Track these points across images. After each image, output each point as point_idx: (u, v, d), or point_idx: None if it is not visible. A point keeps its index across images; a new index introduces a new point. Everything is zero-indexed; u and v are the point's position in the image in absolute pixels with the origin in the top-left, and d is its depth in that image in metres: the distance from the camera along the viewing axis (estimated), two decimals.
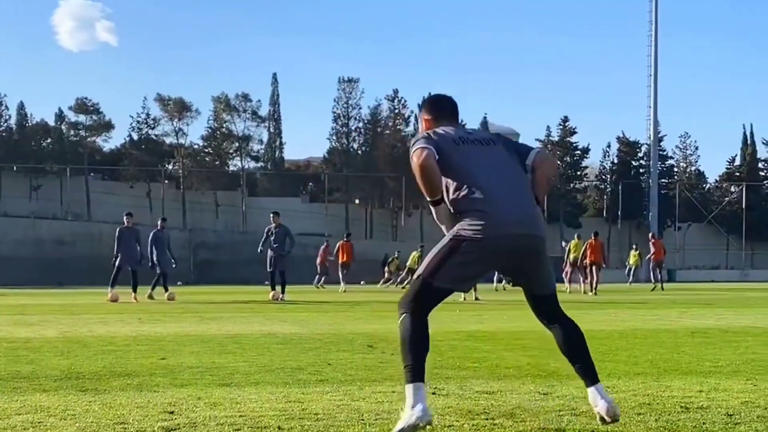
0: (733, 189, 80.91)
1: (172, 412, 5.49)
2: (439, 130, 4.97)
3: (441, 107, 5.30)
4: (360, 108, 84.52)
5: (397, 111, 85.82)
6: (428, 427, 4.65)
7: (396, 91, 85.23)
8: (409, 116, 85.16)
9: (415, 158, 4.66)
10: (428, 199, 4.83)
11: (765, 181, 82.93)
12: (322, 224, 70.22)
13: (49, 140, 79.96)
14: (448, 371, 7.74)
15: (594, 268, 31.83)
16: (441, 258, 4.70)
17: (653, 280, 38.29)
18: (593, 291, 30.88)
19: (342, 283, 36.80)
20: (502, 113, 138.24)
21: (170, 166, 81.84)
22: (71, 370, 7.84)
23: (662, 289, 36.79)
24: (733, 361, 8.84)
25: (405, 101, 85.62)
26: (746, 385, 6.90)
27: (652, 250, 38.73)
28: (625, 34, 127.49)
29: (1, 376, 7.43)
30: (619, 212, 73.95)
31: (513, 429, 4.95)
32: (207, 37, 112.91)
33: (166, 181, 78.22)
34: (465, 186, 4.69)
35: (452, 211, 4.79)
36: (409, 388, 4.58)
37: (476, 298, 24.68)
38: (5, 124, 79.16)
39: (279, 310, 20.60)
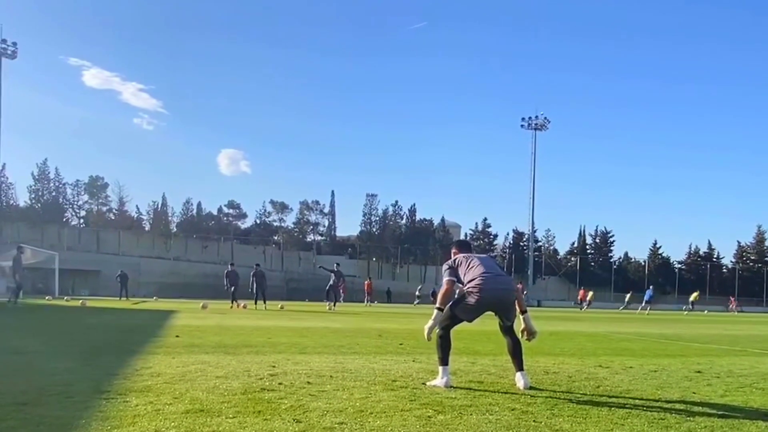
0: (573, 259, 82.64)
1: (274, 366, 5.92)
2: (459, 256, 5.31)
3: (462, 245, 5.62)
4: (377, 209, 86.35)
5: (396, 212, 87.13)
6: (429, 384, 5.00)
7: (396, 202, 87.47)
8: (403, 215, 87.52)
9: (444, 284, 5.13)
10: (439, 301, 5.16)
11: (590, 256, 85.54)
12: (356, 270, 71.55)
13: (212, 222, 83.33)
14: (421, 349, 8.07)
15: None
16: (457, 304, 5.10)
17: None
18: None
19: (367, 303, 37.45)
20: (452, 212, 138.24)
21: (276, 237, 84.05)
22: (221, 343, 8.28)
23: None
24: (571, 348, 9.23)
25: (401, 207, 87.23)
26: (579, 361, 7.26)
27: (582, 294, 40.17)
28: (516, 165, 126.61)
29: (184, 345, 7.87)
30: (513, 269, 75.75)
31: (455, 380, 5.25)
32: (295, 170, 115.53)
33: (274, 245, 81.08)
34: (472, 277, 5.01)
35: (464, 286, 5.04)
36: (441, 368, 4.97)
37: None
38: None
39: (331, 315, 21.02)
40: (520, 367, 5.03)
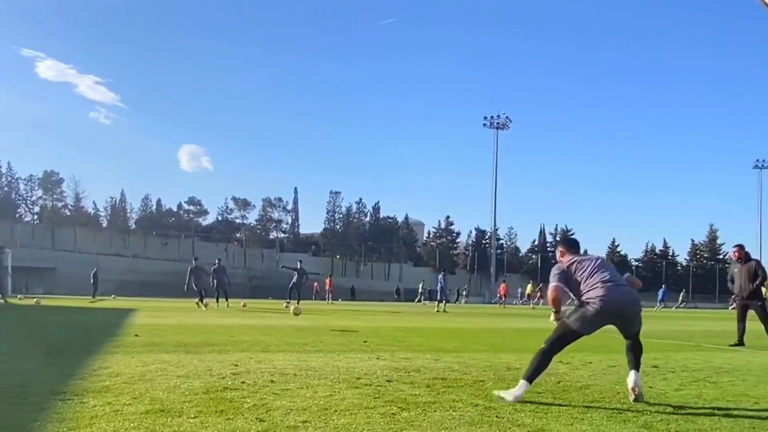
0: (534, 257, 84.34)
1: (236, 365, 5.84)
2: (573, 260, 4.58)
3: (571, 245, 4.84)
4: (341, 207, 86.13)
5: (360, 210, 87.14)
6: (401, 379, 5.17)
7: (360, 199, 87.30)
8: (367, 212, 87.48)
9: (550, 290, 4.49)
10: (552, 306, 4.55)
11: (551, 253, 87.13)
12: (319, 268, 71.32)
13: (172, 219, 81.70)
14: (386, 346, 8.18)
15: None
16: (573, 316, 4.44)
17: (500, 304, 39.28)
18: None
19: (328, 301, 37.35)
20: (416, 210, 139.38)
21: (239, 234, 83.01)
22: (182, 342, 8.14)
23: (503, 306, 37.27)
24: (532, 344, 9.45)
25: (365, 204, 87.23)
26: (492, 356, 7.45)
27: (502, 288, 40.15)
28: (479, 164, 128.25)
29: (144, 344, 7.72)
30: (476, 266, 76.72)
31: (419, 377, 5.34)
32: (258, 166, 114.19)
33: (236, 243, 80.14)
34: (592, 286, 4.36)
35: (581, 296, 4.42)
36: (523, 381, 4.33)
37: (444, 310, 24.50)
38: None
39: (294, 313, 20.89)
40: (635, 366, 4.51)
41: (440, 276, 26.88)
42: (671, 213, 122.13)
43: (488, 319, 18.63)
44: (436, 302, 26.26)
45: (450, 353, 7.55)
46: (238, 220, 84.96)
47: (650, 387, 5.18)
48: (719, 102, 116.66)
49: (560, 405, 4.23)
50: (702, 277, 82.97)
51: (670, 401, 4.51)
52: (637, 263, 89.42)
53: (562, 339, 4.44)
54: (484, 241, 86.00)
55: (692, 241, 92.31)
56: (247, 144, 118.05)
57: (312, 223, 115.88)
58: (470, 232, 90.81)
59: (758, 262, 10.38)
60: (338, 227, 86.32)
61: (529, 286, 44.91)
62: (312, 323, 13.77)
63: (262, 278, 62.68)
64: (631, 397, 4.40)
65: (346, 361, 6.48)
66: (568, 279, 4.50)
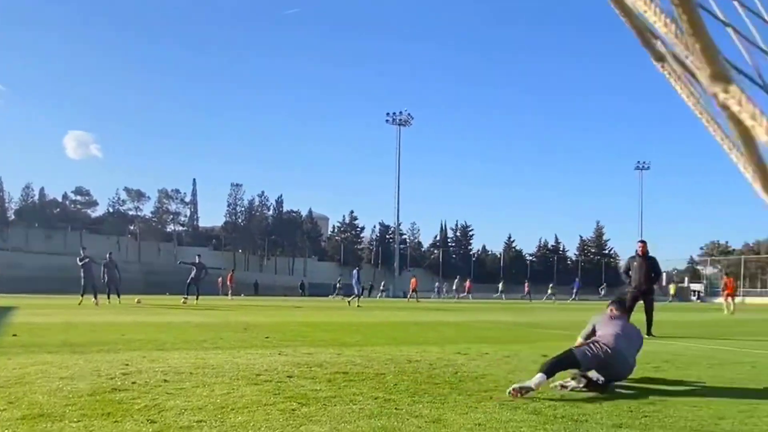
0: (436, 251, 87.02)
1: (127, 365, 5.54)
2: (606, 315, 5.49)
3: (620, 305, 5.82)
4: (243, 199, 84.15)
5: (263, 203, 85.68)
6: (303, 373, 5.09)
7: (263, 192, 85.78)
8: (270, 206, 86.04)
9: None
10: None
11: (452, 248, 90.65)
12: (221, 262, 69.38)
13: (57, 210, 76.11)
14: (288, 342, 8.09)
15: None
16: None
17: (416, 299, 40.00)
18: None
19: (230, 296, 36.31)
20: (320, 204, 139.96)
21: (132, 227, 78.78)
22: (66, 341, 7.65)
23: (417, 301, 38.16)
24: (434, 337, 9.70)
25: (267, 198, 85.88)
26: (440, 349, 7.56)
27: (413, 283, 40.92)
28: (383, 160, 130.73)
29: (22, 345, 7.19)
30: (380, 261, 78.04)
31: (321, 372, 5.32)
32: (153, 156, 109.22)
33: (129, 236, 76.12)
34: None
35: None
36: (539, 374, 4.39)
37: (358, 305, 24.27)
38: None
39: (195, 309, 20.23)
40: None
41: (355, 271, 26.98)
42: (562, 210, 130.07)
43: (395, 313, 18.92)
44: (353, 297, 26.28)
45: (352, 347, 7.59)
46: (131, 212, 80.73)
47: None
48: (605, 107, 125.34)
49: (457, 395, 4.36)
50: (589, 270, 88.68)
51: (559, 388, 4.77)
52: (531, 258, 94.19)
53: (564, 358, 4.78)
54: (387, 236, 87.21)
55: (581, 237, 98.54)
56: (140, 132, 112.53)
57: (212, 216, 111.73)
58: (374, 226, 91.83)
59: (655, 259, 11.08)
60: (240, 220, 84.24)
61: (456, 280, 46.87)
62: (212, 319, 13.36)
63: (158, 273, 59.81)
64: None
65: (246, 357, 6.34)
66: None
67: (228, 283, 38.31)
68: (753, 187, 0.59)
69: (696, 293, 75.58)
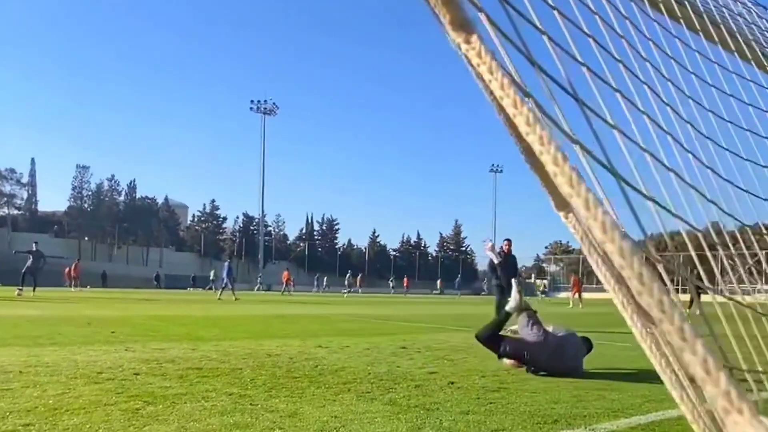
0: (302, 244, 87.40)
1: None
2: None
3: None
4: (90, 183, 78.22)
5: (113, 188, 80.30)
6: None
7: (113, 176, 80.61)
8: (122, 191, 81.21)
9: None
10: None
11: (318, 242, 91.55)
12: (64, 251, 63.75)
13: None
14: (137, 337, 7.63)
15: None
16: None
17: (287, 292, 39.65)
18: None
19: (73, 288, 33.45)
20: (178, 191, 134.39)
21: None
22: None
23: (290, 294, 37.89)
24: (295, 331, 9.66)
25: (118, 182, 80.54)
26: (301, 342, 7.48)
27: (285, 275, 40.51)
28: (246, 149, 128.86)
29: None
30: (243, 253, 76.82)
31: (172, 368, 5.06)
32: None
33: None
34: None
35: None
36: None
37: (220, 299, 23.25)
38: None
39: (31, 301, 18.42)
40: None
41: (226, 263, 26.07)
42: (424, 208, 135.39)
43: (258, 306, 18.50)
44: (222, 290, 25.28)
45: (209, 342, 7.31)
46: None
47: (398, 366, 5.62)
48: (464, 111, 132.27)
49: (315, 388, 4.35)
50: (448, 266, 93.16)
51: (414, 378, 4.95)
52: (394, 253, 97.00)
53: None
54: (251, 228, 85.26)
55: (441, 234, 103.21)
56: None
57: (54, 200, 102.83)
58: (237, 217, 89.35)
59: (516, 258, 11.77)
60: (87, 206, 77.90)
61: (348, 275, 47.44)
62: (50, 313, 12.24)
63: None
64: None
65: (87, 354, 5.87)
66: None
67: (72, 273, 35.04)
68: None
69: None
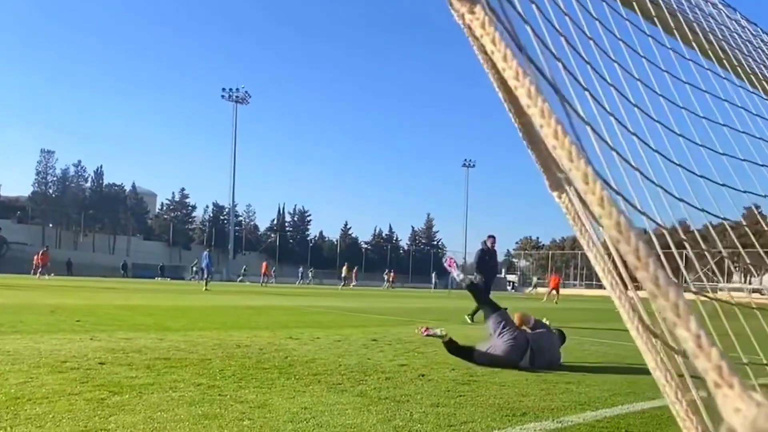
0: (273, 235, 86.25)
1: None
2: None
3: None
4: (55, 168, 76.33)
5: (79, 174, 78.59)
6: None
7: (80, 162, 78.66)
8: (88, 177, 78.91)
9: None
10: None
11: (289, 233, 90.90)
12: (27, 237, 62.26)
13: None
14: (103, 326, 7.50)
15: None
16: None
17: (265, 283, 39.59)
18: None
19: (39, 276, 32.50)
20: (146, 178, 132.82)
21: None
22: None
23: (264, 285, 37.63)
24: (266, 322, 9.64)
25: (85, 168, 78.78)
26: (271, 334, 7.45)
27: (264, 267, 40.47)
28: (217, 137, 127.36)
29: None
30: (213, 242, 75.92)
31: (139, 358, 5.01)
32: None
33: None
34: None
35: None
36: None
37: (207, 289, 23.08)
38: None
39: None
40: None
41: (205, 252, 25.73)
42: (396, 201, 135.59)
43: (227, 297, 18.33)
44: (207, 280, 24.91)
45: (177, 332, 7.22)
46: None
47: (369, 359, 5.64)
48: (438, 105, 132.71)
49: (285, 379, 4.34)
50: (420, 260, 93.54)
51: (385, 370, 4.96)
52: (366, 246, 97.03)
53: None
54: (222, 217, 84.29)
55: (413, 227, 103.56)
56: None
57: (17, 185, 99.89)
58: (207, 206, 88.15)
59: (496, 254, 12.10)
60: (51, 191, 76.03)
61: (345, 268, 46.51)
62: (12, 300, 11.95)
63: None
64: None
65: (51, 343, 5.76)
66: None
67: (39, 261, 33.84)
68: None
69: (511, 283, 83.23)
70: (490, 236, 11.76)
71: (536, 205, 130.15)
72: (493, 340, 5.55)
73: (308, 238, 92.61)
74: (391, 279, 50.00)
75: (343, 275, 44.98)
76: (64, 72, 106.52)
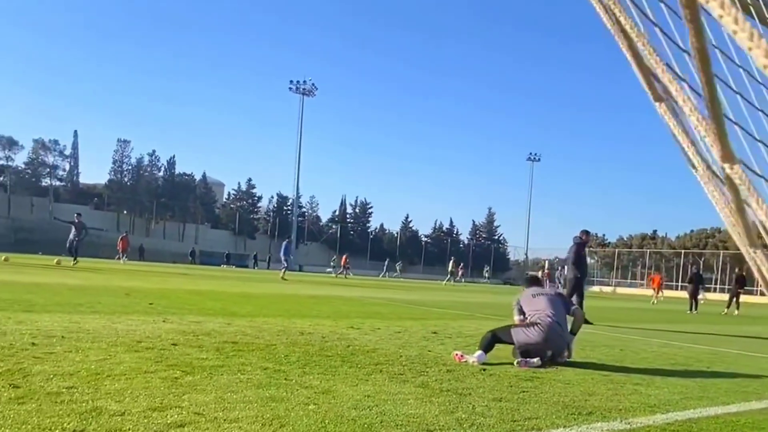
0: (334, 226, 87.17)
1: None
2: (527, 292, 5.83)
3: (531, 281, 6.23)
4: (130, 157, 79.72)
5: (153, 163, 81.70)
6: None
7: (154, 151, 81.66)
8: (161, 166, 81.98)
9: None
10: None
11: (350, 225, 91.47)
12: (103, 223, 65.58)
13: None
14: (174, 309, 7.81)
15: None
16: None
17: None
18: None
19: (122, 260, 34.14)
20: (215, 169, 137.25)
21: (2, 178, 71.93)
22: None
23: (345, 277, 38.26)
24: (327, 311, 9.78)
25: (158, 157, 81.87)
26: (333, 323, 7.60)
27: (344, 260, 40.96)
28: (284, 129, 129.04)
29: None
30: (276, 232, 77.32)
31: (208, 340, 5.18)
32: (29, 102, 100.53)
33: None
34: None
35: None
36: (479, 352, 5.16)
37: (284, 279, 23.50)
38: None
39: (72, 270, 19.01)
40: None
41: (285, 242, 26.22)
42: (458, 195, 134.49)
43: (290, 286, 18.75)
44: (285, 269, 25.36)
45: (243, 318, 7.45)
46: (1, 162, 73.78)
47: (429, 351, 5.64)
48: (506, 97, 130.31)
49: (348, 367, 4.40)
50: (480, 254, 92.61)
51: (446, 363, 4.95)
52: (426, 239, 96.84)
53: (503, 333, 5.42)
54: (285, 208, 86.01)
55: (473, 221, 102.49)
56: (13, 71, 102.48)
57: (95, 173, 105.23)
58: (272, 197, 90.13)
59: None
60: (126, 180, 79.64)
61: (451, 264, 46.56)
62: (90, 282, 12.61)
63: (31, 230, 55.44)
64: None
65: (126, 323, 6.04)
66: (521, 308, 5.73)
67: (121, 246, 35.28)
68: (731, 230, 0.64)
69: None
70: (584, 231, 11.79)
71: (603, 201, 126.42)
72: (529, 306, 5.63)
73: (369, 230, 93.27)
74: (459, 272, 47.57)
75: (449, 269, 44.24)
76: (141, 65, 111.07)
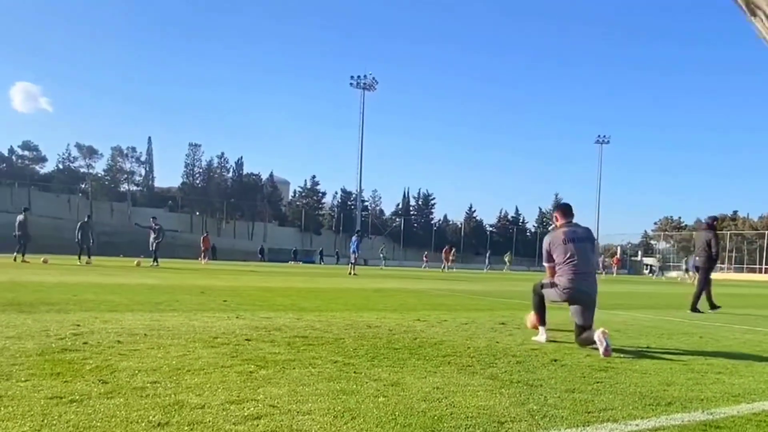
0: (398, 220, 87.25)
1: (78, 325, 5.45)
2: (559, 232, 5.62)
3: (566, 211, 5.79)
4: (201, 160, 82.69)
5: (222, 165, 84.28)
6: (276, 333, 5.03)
7: (222, 154, 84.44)
8: (230, 168, 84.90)
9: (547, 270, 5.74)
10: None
11: (413, 217, 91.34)
12: (177, 224, 68.30)
13: (3, 165, 73.51)
14: (246, 306, 8.06)
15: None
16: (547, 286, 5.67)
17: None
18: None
19: (204, 259, 35.32)
20: (281, 168, 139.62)
21: (84, 185, 76.45)
22: (14, 300, 7.44)
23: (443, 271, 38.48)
24: (393, 304, 9.80)
25: (227, 159, 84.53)
26: (399, 315, 7.66)
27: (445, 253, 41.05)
28: (346, 124, 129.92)
29: None
30: (341, 227, 77.99)
31: (280, 335, 5.31)
32: (106, 112, 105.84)
33: (81, 194, 74.02)
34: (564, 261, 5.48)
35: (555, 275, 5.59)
36: (541, 328, 5.75)
37: (354, 274, 23.56)
38: None
39: (151, 271, 19.89)
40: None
41: (354, 237, 25.87)
42: (523, 182, 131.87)
43: (356, 280, 18.98)
44: (353, 264, 25.25)
45: (312, 312, 7.60)
46: (83, 169, 78.27)
47: (497, 342, 5.58)
48: (570, 79, 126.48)
49: (416, 359, 4.42)
50: None
51: (515, 354, 4.89)
52: (491, 228, 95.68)
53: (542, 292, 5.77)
54: (349, 203, 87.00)
55: (540, 209, 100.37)
56: (93, 85, 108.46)
57: (169, 177, 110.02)
58: (336, 192, 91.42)
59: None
60: (198, 182, 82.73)
61: (507, 256, 46.37)
62: (167, 282, 13.18)
63: (112, 234, 58.43)
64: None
65: (203, 320, 6.28)
66: (549, 257, 5.66)
67: (202, 246, 36.60)
68: None
69: (649, 267, 78.09)
70: (713, 217, 11.79)
71: (678, 182, 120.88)
72: (558, 254, 5.59)
73: (432, 222, 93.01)
74: (450, 259, 43.74)
75: (506, 260, 43.31)
76: (207, 74, 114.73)
